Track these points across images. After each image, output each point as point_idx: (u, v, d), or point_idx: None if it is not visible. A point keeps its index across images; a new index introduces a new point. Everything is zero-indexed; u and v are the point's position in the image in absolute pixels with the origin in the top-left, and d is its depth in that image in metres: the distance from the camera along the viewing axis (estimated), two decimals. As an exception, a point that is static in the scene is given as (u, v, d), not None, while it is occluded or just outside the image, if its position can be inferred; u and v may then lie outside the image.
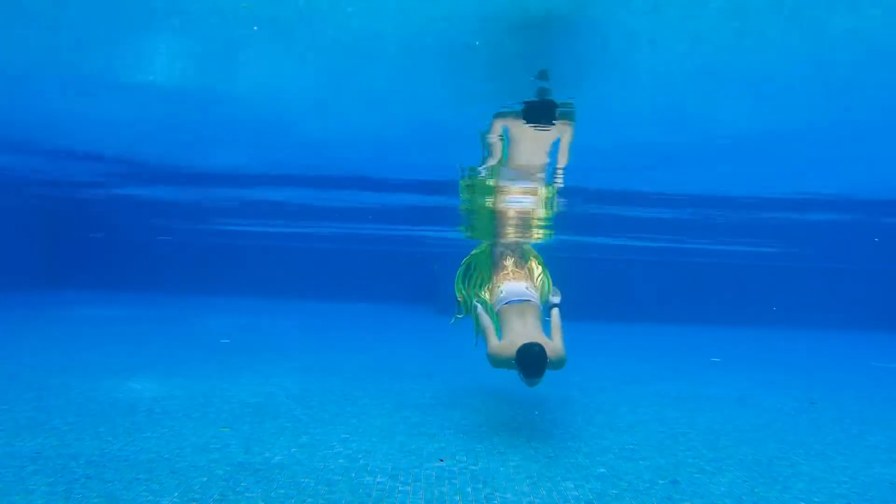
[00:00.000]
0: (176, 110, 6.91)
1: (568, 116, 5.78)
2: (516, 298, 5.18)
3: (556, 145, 6.66)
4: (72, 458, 4.22)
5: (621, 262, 16.00)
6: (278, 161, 9.84)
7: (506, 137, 6.47)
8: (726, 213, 12.18)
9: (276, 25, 4.45)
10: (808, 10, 3.76)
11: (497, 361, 4.87)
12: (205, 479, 3.99)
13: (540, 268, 5.87)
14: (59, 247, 17.35)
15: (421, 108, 6.29)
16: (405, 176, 10.31)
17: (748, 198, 11.01)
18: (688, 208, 11.83)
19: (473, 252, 6.34)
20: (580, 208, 11.34)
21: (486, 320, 5.25)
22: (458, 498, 3.89)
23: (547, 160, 7.11)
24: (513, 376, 5.12)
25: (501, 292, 5.32)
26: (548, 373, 4.62)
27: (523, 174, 7.60)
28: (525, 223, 10.81)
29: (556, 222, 12.00)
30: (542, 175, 7.59)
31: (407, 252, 17.14)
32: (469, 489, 4.04)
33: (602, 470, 4.52)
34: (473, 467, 4.45)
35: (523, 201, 8.99)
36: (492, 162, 7.43)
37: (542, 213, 9.92)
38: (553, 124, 5.73)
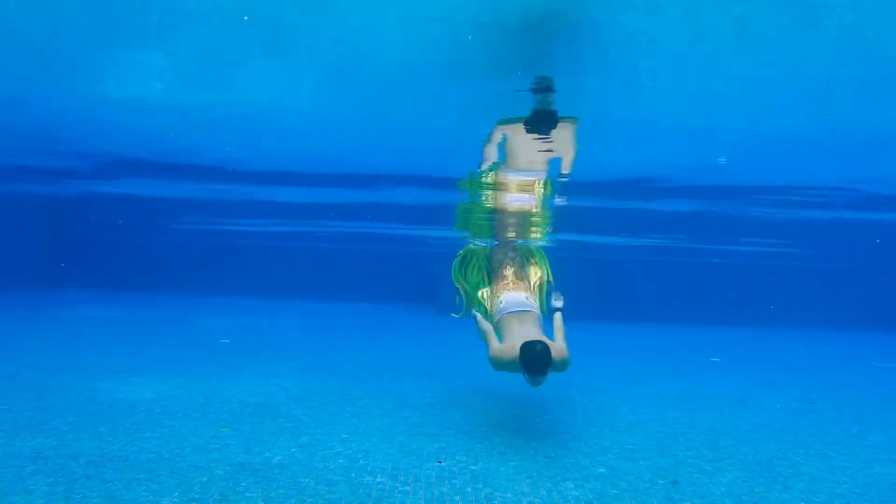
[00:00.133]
0: (176, 110, 6.92)
1: (570, 121, 5.79)
2: (516, 308, 5.20)
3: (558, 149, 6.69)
4: (72, 458, 4.22)
5: (621, 262, 15.99)
6: (278, 161, 9.86)
7: (503, 141, 6.49)
8: (726, 212, 12.19)
9: (277, 38, 4.47)
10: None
11: (499, 364, 4.85)
12: (205, 479, 3.99)
13: (540, 272, 5.86)
14: (59, 247, 17.35)
15: (421, 110, 6.31)
16: (405, 176, 10.32)
17: (747, 198, 11.02)
18: (688, 208, 11.84)
19: (469, 246, 6.35)
20: (579, 208, 11.35)
21: (486, 325, 5.27)
22: (458, 498, 3.89)
23: (547, 163, 7.11)
24: (513, 377, 5.12)
25: (501, 302, 5.34)
26: (550, 374, 4.60)
27: (522, 171, 7.60)
28: (523, 221, 10.79)
29: (556, 222, 12.00)
30: (542, 171, 7.58)
31: (407, 252, 17.13)
32: (469, 489, 4.04)
33: (602, 470, 4.52)
34: (473, 467, 4.44)
35: (521, 199, 8.98)
36: (485, 166, 7.46)
37: (539, 211, 9.91)
38: (550, 134, 5.75)
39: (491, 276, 5.86)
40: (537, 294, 5.62)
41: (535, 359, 4.42)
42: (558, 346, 4.79)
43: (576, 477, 4.35)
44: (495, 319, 5.30)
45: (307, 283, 17.76)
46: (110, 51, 4.85)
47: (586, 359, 8.91)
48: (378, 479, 4.12)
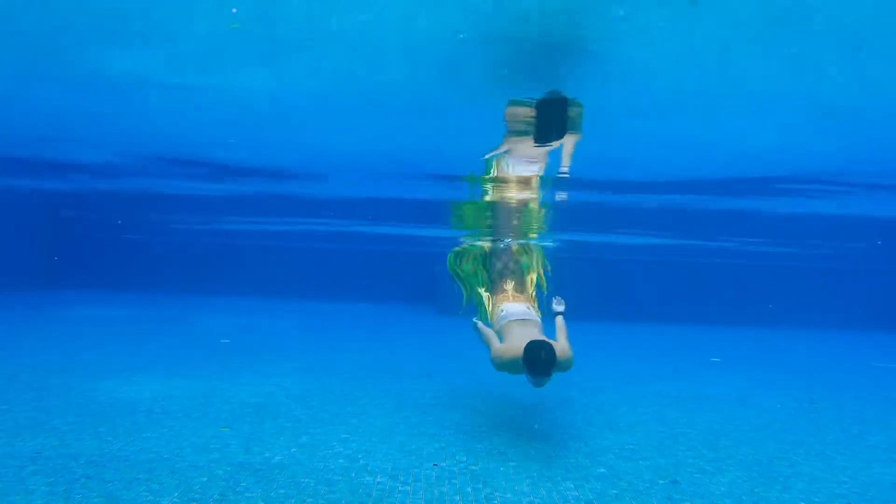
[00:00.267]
0: (176, 111, 6.91)
1: (574, 125, 5.78)
2: (518, 317, 5.21)
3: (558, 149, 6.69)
4: (72, 458, 4.22)
5: (621, 262, 15.99)
6: (278, 159, 9.85)
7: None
8: (726, 212, 12.19)
9: (276, 39, 4.49)
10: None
11: (501, 364, 4.82)
12: (205, 479, 3.99)
13: (534, 274, 5.87)
14: (59, 246, 17.34)
15: (421, 112, 6.32)
16: (405, 175, 10.30)
17: (748, 197, 11.02)
18: (688, 208, 11.84)
19: (464, 245, 6.38)
20: (580, 209, 11.35)
21: (487, 330, 5.29)
22: (458, 498, 3.89)
23: (547, 154, 7.10)
24: (514, 377, 5.12)
25: (502, 311, 5.35)
26: (553, 374, 4.58)
27: (523, 161, 7.57)
28: (522, 216, 10.75)
29: (555, 221, 12.00)
30: (542, 162, 7.57)
31: (407, 252, 17.13)
32: (469, 489, 4.04)
33: (602, 470, 4.52)
34: (473, 467, 4.45)
35: (520, 194, 8.95)
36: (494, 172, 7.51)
37: (536, 206, 9.89)
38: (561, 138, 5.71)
39: (490, 275, 5.86)
40: (536, 302, 5.64)
41: (539, 359, 4.35)
42: (561, 345, 4.77)
43: (576, 477, 4.35)
44: (496, 327, 5.30)
45: (307, 283, 17.76)
46: (111, 48, 4.84)
47: (586, 359, 8.91)
48: (378, 479, 4.12)
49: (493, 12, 3.70)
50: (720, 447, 5.20)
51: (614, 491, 4.13)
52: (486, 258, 6.12)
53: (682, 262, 16.11)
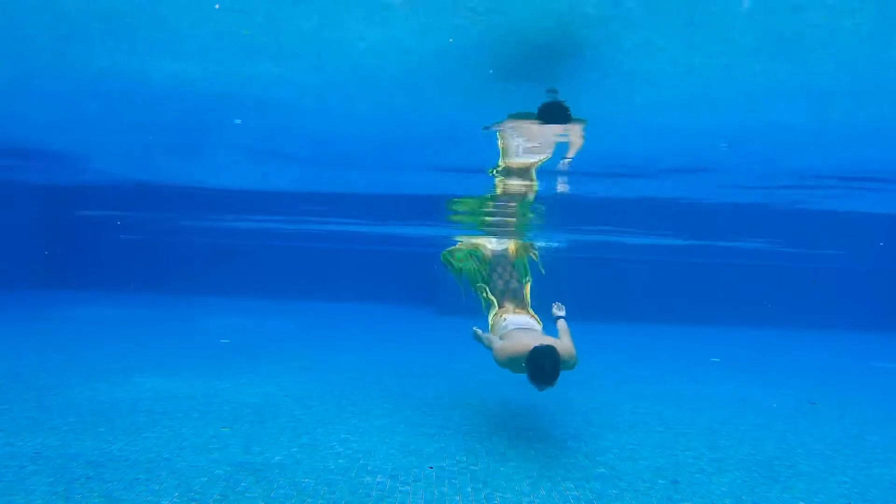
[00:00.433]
0: (176, 111, 6.92)
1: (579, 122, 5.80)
2: (520, 326, 5.20)
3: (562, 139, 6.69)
4: (72, 458, 4.22)
5: (621, 262, 15.99)
6: (279, 161, 9.85)
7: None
8: (726, 212, 12.19)
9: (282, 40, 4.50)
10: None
11: (503, 362, 4.74)
12: (205, 479, 3.99)
13: (529, 285, 5.89)
14: (59, 246, 17.34)
15: (421, 114, 6.32)
16: (406, 174, 10.30)
17: (747, 194, 11.02)
18: (688, 208, 11.84)
19: (460, 245, 6.41)
20: (578, 209, 11.36)
21: (486, 334, 5.29)
22: (458, 498, 3.89)
23: (553, 144, 7.09)
24: (514, 377, 5.11)
25: (504, 320, 5.34)
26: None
27: (529, 147, 7.55)
28: (520, 208, 10.69)
29: (553, 217, 12.00)
30: (548, 151, 7.56)
31: (407, 252, 17.14)
32: (469, 489, 4.04)
33: (602, 470, 4.52)
34: (473, 467, 4.45)
35: (521, 181, 8.90)
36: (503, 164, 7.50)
37: (532, 198, 9.84)
38: (568, 121, 5.61)
39: (492, 291, 5.86)
40: (537, 316, 5.65)
41: (543, 368, 4.22)
42: (565, 344, 4.70)
43: (576, 477, 4.35)
44: (499, 335, 5.29)
45: (307, 283, 17.76)
46: (113, 48, 4.85)
47: (586, 359, 8.89)
48: (378, 479, 4.12)
49: (491, 15, 3.72)
50: (720, 447, 5.20)
51: (614, 491, 4.14)
52: (488, 268, 6.09)
53: (682, 262, 16.11)
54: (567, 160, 7.56)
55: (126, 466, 4.12)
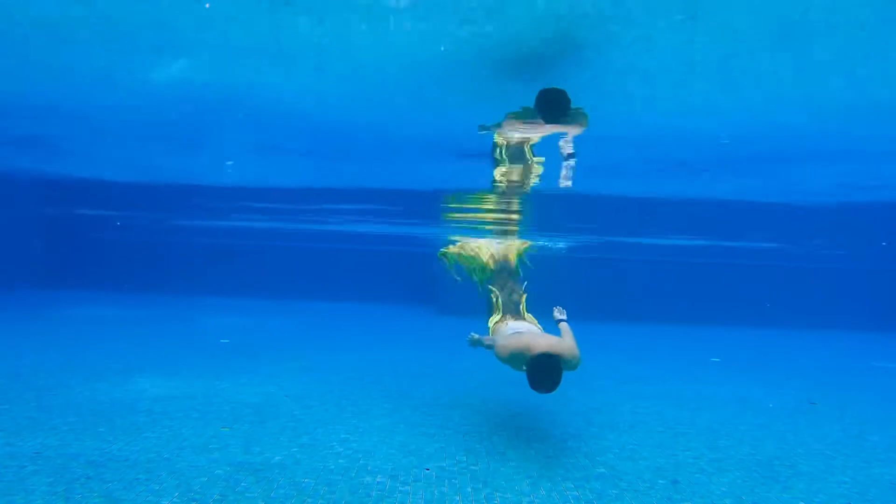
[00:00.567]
0: (177, 111, 6.92)
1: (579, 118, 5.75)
2: (521, 329, 5.19)
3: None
4: (72, 458, 4.22)
5: (621, 262, 15.99)
6: (280, 161, 9.86)
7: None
8: (726, 212, 12.21)
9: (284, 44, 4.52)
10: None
11: (506, 357, 4.67)
12: (205, 479, 3.99)
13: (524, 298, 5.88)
14: (59, 245, 17.34)
15: (420, 114, 6.33)
16: (406, 174, 10.31)
17: (748, 197, 11.03)
18: (688, 208, 11.86)
19: (460, 244, 6.40)
20: (578, 208, 11.34)
21: (485, 337, 5.29)
22: (458, 498, 3.89)
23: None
24: (514, 377, 5.11)
25: (506, 325, 5.33)
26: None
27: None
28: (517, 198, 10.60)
29: (556, 221, 11.97)
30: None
31: (407, 252, 17.13)
32: (469, 489, 4.04)
33: (602, 470, 4.52)
34: (473, 467, 4.45)
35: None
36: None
37: (528, 189, 9.77)
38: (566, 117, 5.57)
39: (492, 304, 5.86)
40: (537, 321, 5.64)
41: (544, 380, 4.18)
42: (568, 343, 4.64)
43: (576, 477, 4.35)
44: (501, 335, 5.28)
45: (307, 283, 17.75)
46: (115, 48, 4.85)
47: (586, 359, 8.89)
48: (378, 479, 4.12)
49: (491, 16, 3.72)
50: (720, 447, 5.20)
51: (614, 491, 4.14)
52: (491, 278, 6.08)
53: (683, 262, 16.11)
54: (568, 141, 7.52)
55: (126, 466, 4.12)
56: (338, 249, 18.02)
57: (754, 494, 4.19)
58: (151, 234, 17.68)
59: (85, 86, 5.99)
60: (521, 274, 6.18)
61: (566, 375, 4.41)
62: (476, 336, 5.55)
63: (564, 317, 5.27)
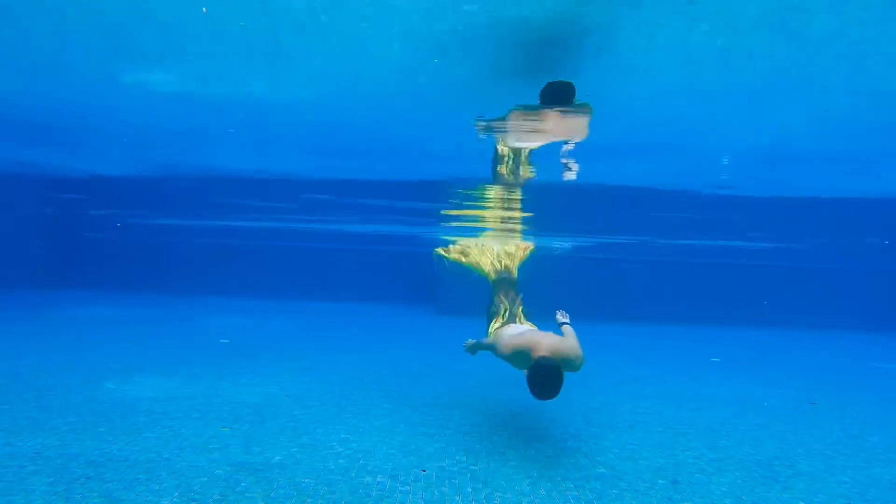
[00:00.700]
0: (177, 112, 6.93)
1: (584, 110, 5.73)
2: (521, 330, 5.19)
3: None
4: (72, 458, 4.22)
5: (621, 262, 15.99)
6: (279, 162, 9.86)
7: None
8: (727, 212, 12.20)
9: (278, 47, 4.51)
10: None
11: (508, 354, 4.63)
12: (205, 479, 3.99)
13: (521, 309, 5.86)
14: (59, 245, 17.35)
15: (419, 111, 6.32)
16: (406, 174, 10.31)
17: (747, 198, 11.03)
18: (689, 208, 11.85)
19: (460, 244, 6.39)
20: (578, 208, 11.35)
21: (483, 340, 5.28)
22: (458, 498, 3.89)
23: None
24: (514, 376, 5.11)
25: (508, 327, 5.32)
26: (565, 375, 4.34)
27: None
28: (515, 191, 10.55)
29: (556, 221, 11.97)
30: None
31: (407, 252, 17.14)
32: (469, 489, 4.04)
33: (602, 470, 4.52)
34: (473, 467, 4.44)
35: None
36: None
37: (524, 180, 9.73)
38: (571, 103, 5.50)
39: (492, 300, 5.85)
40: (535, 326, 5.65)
41: (544, 388, 4.14)
42: (571, 343, 4.58)
43: (576, 477, 4.35)
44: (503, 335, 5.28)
45: (307, 283, 17.76)
46: (115, 49, 4.86)
47: (586, 359, 8.90)
48: (378, 479, 4.12)
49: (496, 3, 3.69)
50: (720, 447, 5.20)
51: (614, 491, 4.13)
52: (492, 289, 6.07)
53: (682, 262, 16.10)
54: (569, 147, 7.51)
55: (126, 466, 4.12)
56: (338, 249, 18.02)
57: (754, 494, 4.19)
58: (151, 234, 17.69)
59: (84, 86, 6.00)
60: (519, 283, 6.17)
61: (567, 376, 4.40)
62: (472, 341, 5.52)
63: (567, 320, 5.25)
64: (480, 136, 6.81)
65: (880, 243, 14.29)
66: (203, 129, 7.83)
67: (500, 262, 6.34)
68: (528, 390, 4.32)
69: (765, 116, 6.00)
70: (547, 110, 5.56)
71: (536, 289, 6.48)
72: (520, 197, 10.26)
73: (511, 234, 13.20)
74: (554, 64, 4.59)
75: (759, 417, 6.28)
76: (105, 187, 14.39)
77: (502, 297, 5.84)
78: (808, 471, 4.74)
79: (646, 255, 16.08)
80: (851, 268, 16.17)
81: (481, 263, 6.38)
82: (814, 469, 4.79)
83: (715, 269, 16.13)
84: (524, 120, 5.92)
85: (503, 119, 6.00)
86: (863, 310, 16.08)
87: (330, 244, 17.99)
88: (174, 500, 3.65)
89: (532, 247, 6.73)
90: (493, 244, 6.88)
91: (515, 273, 6.22)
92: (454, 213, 12.01)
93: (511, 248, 6.61)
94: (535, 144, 7.32)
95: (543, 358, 4.25)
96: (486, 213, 11.69)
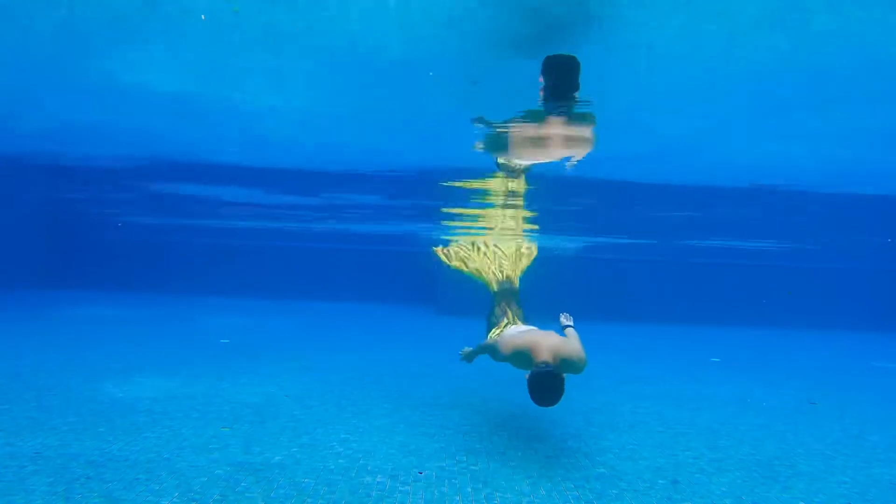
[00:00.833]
0: (176, 111, 6.93)
1: (588, 120, 5.67)
2: (521, 328, 5.17)
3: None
4: (72, 458, 4.22)
5: (621, 262, 16.00)
6: (279, 159, 9.86)
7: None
8: (726, 212, 12.19)
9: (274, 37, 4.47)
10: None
11: (508, 354, 4.60)
12: (205, 479, 3.99)
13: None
14: (59, 245, 17.35)
15: (419, 109, 6.30)
16: (406, 172, 10.28)
17: (748, 196, 11.02)
18: (688, 207, 11.85)
19: (460, 244, 6.38)
20: (578, 208, 11.34)
21: (485, 341, 5.27)
22: (458, 498, 3.89)
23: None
24: (514, 376, 5.11)
25: (508, 328, 5.32)
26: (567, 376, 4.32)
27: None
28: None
29: (556, 221, 11.95)
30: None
31: (407, 252, 17.15)
32: (469, 489, 4.04)
33: (602, 470, 4.52)
34: (473, 467, 4.44)
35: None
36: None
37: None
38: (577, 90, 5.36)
39: (493, 310, 5.85)
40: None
41: (545, 396, 4.09)
42: (574, 345, 4.53)
43: (576, 477, 4.35)
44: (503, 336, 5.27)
45: (307, 283, 17.76)
46: (115, 49, 4.86)
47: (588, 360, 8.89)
48: (378, 479, 4.12)
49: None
50: (720, 447, 5.20)
51: (614, 491, 4.13)
52: (493, 300, 6.06)
53: (682, 262, 16.11)
54: (573, 162, 7.48)
55: (126, 466, 4.12)
56: (338, 249, 18.03)
57: (754, 494, 4.19)
58: (151, 234, 17.69)
59: (82, 86, 5.99)
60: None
61: (568, 377, 4.38)
62: (468, 349, 5.49)
63: (571, 323, 5.23)
64: (478, 148, 6.75)
65: (882, 241, 14.26)
66: (197, 127, 7.80)
67: (502, 271, 6.28)
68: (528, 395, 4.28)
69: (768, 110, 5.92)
70: (550, 117, 5.52)
71: (536, 289, 6.48)
72: (524, 187, 10.16)
73: (514, 232, 13.14)
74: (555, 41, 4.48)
75: (759, 417, 6.29)
76: (104, 187, 14.36)
77: (504, 307, 5.79)
78: (808, 471, 4.74)
79: (646, 256, 16.09)
80: (851, 268, 16.18)
81: (483, 273, 6.34)
82: (814, 469, 4.80)
83: (715, 269, 16.14)
84: (526, 127, 5.84)
85: (504, 126, 5.94)
86: (863, 310, 16.09)
87: (330, 244, 18.00)
88: (174, 500, 3.65)
89: (535, 252, 6.70)
90: (494, 243, 6.82)
91: (517, 284, 6.16)
92: (455, 210, 11.99)
93: (512, 250, 6.57)
94: (537, 160, 7.23)
95: (544, 364, 4.21)
96: (488, 209, 11.63)
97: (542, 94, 5.16)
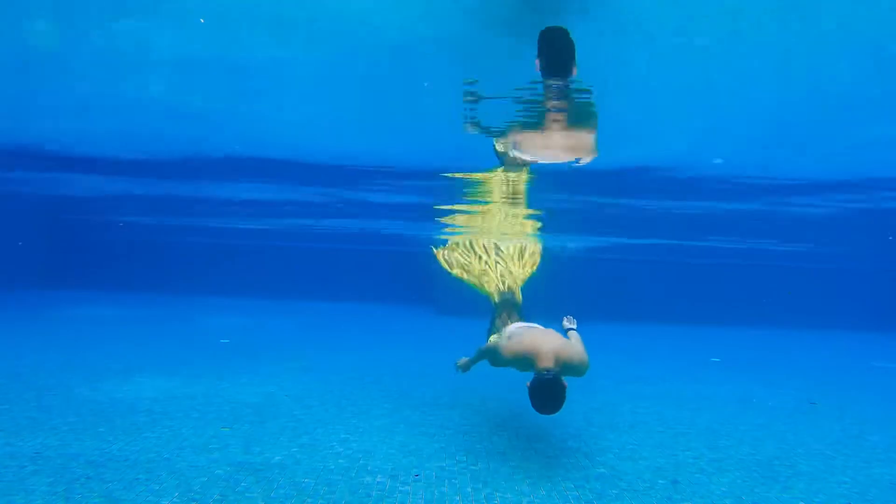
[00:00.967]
0: (175, 112, 6.92)
1: (591, 119, 5.60)
2: (523, 325, 5.14)
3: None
4: (72, 458, 4.22)
5: (621, 262, 16.00)
6: (277, 160, 9.83)
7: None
8: (727, 211, 12.18)
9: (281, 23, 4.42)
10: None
11: (509, 358, 4.54)
12: (205, 479, 3.99)
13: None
14: (59, 245, 17.36)
15: (417, 106, 6.27)
16: (406, 173, 10.24)
17: (748, 194, 10.99)
18: (688, 207, 11.83)
19: (458, 244, 6.37)
20: (578, 209, 11.32)
21: (485, 345, 5.25)
22: (458, 498, 3.89)
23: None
24: (514, 377, 5.11)
25: (509, 325, 5.28)
26: (569, 379, 4.29)
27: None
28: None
29: (556, 221, 11.94)
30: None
31: (407, 252, 17.15)
32: (469, 489, 4.04)
33: (602, 470, 4.52)
34: (473, 467, 4.45)
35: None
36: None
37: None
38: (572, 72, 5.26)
39: (494, 321, 5.84)
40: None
41: (546, 403, 4.05)
42: (576, 347, 4.49)
43: (576, 477, 4.35)
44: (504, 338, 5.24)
45: (307, 283, 17.77)
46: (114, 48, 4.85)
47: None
48: (378, 479, 4.12)
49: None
50: (720, 447, 5.20)
51: (614, 491, 4.13)
52: (494, 309, 6.04)
53: (682, 262, 16.12)
54: (581, 163, 7.40)
55: (126, 466, 4.12)
56: (338, 249, 18.04)
57: (754, 494, 4.19)
58: (151, 234, 17.70)
59: (82, 87, 5.98)
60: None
61: (569, 380, 4.34)
62: (465, 359, 5.42)
63: (574, 325, 5.21)
64: (470, 131, 6.65)
65: (884, 239, 14.24)
66: (197, 127, 7.78)
67: (503, 282, 6.21)
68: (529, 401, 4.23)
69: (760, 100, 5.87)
70: (550, 114, 5.48)
71: (536, 289, 6.48)
72: (527, 178, 10.09)
73: (515, 231, 13.10)
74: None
75: (759, 417, 6.29)
76: (104, 187, 14.35)
77: (505, 319, 5.73)
78: (808, 471, 4.74)
79: (646, 256, 16.10)
80: (851, 268, 16.18)
81: (484, 284, 6.28)
82: (814, 469, 4.80)
83: (715, 269, 16.14)
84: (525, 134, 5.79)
85: (502, 132, 5.88)
86: (863, 310, 16.10)
87: (330, 244, 18.00)
88: (174, 500, 3.65)
89: (538, 260, 6.64)
90: (495, 248, 6.73)
91: (519, 295, 6.07)
92: (456, 207, 11.95)
93: (514, 255, 6.52)
94: (539, 159, 7.16)
95: (546, 371, 4.16)
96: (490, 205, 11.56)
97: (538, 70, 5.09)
